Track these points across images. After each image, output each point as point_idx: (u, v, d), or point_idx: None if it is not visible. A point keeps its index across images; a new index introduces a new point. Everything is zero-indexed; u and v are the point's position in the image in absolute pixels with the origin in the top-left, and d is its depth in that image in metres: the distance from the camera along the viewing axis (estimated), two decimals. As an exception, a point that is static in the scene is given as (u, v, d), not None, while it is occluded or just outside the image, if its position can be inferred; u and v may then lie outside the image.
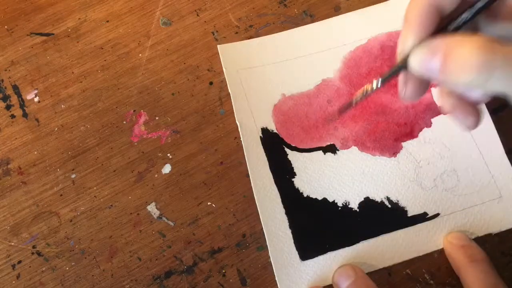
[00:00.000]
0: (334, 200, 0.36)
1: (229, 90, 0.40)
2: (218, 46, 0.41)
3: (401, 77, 0.30)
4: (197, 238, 0.36)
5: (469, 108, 0.30)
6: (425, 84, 0.30)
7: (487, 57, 0.23)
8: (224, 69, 0.40)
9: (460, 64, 0.24)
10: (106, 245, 0.36)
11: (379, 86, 0.30)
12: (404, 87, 0.30)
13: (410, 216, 0.36)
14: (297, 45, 0.41)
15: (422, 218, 0.36)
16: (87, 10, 0.43)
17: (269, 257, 0.35)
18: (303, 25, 0.42)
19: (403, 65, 0.28)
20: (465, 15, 0.27)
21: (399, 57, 0.29)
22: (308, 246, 0.35)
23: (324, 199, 0.36)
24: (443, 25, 0.28)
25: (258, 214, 0.36)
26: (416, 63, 0.27)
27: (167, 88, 0.40)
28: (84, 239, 0.36)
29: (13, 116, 0.40)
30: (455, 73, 0.25)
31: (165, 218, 0.37)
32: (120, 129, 0.39)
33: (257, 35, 0.42)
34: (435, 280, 0.34)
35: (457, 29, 0.27)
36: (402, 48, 0.28)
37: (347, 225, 0.36)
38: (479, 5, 0.26)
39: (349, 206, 0.36)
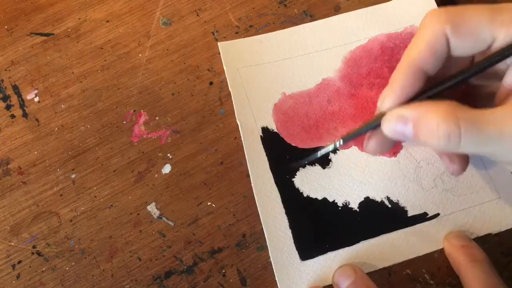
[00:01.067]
0: (334, 200, 0.36)
1: (230, 89, 0.40)
2: (219, 43, 0.41)
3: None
4: (197, 238, 0.36)
5: (453, 157, 0.32)
6: (390, 143, 0.31)
7: (450, 127, 0.25)
8: (224, 67, 0.40)
9: (428, 134, 0.26)
10: (106, 245, 0.36)
11: (341, 144, 0.32)
12: (367, 141, 0.32)
13: (410, 216, 0.36)
14: (298, 44, 0.41)
15: (422, 218, 0.36)
16: (87, 10, 0.43)
17: (269, 257, 0.35)
18: (303, 24, 0.42)
19: (375, 124, 0.30)
20: (434, 90, 0.28)
21: (377, 111, 0.31)
22: (308, 246, 0.35)
23: (324, 199, 0.36)
24: (428, 86, 0.29)
25: (258, 214, 0.36)
26: (389, 130, 0.28)
27: (167, 88, 0.40)
28: (84, 239, 0.36)
29: (13, 116, 0.40)
30: (427, 141, 0.26)
31: (165, 218, 0.37)
32: (120, 129, 0.39)
33: (257, 35, 0.42)
34: (435, 280, 0.34)
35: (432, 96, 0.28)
36: (382, 106, 0.30)
37: (347, 225, 0.36)
38: (447, 84, 0.28)
39: (349, 206, 0.36)
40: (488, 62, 0.27)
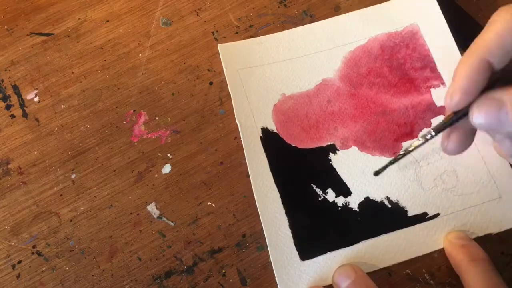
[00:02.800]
0: (334, 200, 0.36)
1: (229, 90, 0.40)
2: (219, 45, 0.41)
3: (444, 132, 0.31)
4: (197, 238, 0.36)
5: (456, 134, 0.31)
6: (471, 137, 0.30)
7: None
8: (224, 69, 0.40)
9: None
10: (106, 245, 0.36)
11: (433, 136, 0.30)
12: (447, 141, 0.30)
13: (410, 216, 0.36)
14: (297, 45, 0.41)
15: (422, 218, 0.36)
16: (87, 10, 0.43)
17: (269, 257, 0.35)
18: (303, 25, 0.42)
19: (457, 118, 0.28)
20: None
21: (448, 110, 0.29)
22: (308, 246, 0.35)
23: (324, 199, 0.36)
24: (492, 81, 0.27)
25: (258, 214, 0.36)
26: (483, 117, 0.26)
27: (167, 88, 0.40)
28: (84, 239, 0.36)
29: (13, 116, 0.40)
30: None
31: (165, 218, 0.37)
32: (120, 129, 0.39)
33: (257, 35, 0.42)
34: (435, 280, 0.34)
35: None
36: (451, 102, 0.28)
37: (347, 225, 0.36)
38: None
39: (349, 206, 0.36)
40: None
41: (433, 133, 0.30)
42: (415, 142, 0.32)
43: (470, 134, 0.30)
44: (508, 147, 0.30)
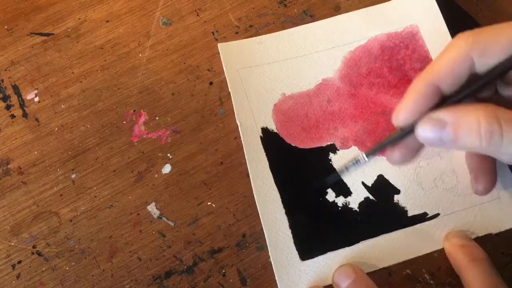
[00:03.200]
0: (334, 200, 0.36)
1: (229, 89, 0.40)
2: (219, 44, 0.41)
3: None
4: (197, 238, 0.36)
5: (479, 176, 0.33)
6: (414, 152, 0.31)
7: (493, 126, 0.25)
8: (224, 68, 0.40)
9: (469, 134, 0.26)
10: (106, 245, 0.36)
11: (365, 160, 0.33)
12: (391, 152, 0.32)
13: (410, 216, 0.36)
14: (297, 44, 0.41)
15: (422, 218, 0.36)
16: (87, 10, 0.43)
17: (269, 257, 0.35)
18: (303, 25, 0.42)
19: (403, 135, 0.30)
20: (466, 92, 0.28)
21: (395, 127, 0.30)
22: (308, 246, 0.35)
23: (324, 199, 0.36)
24: (439, 101, 0.28)
25: (258, 214, 0.36)
26: (426, 135, 0.28)
27: (167, 88, 0.40)
28: (84, 239, 0.36)
29: (13, 116, 0.40)
30: (467, 142, 0.26)
31: (165, 218, 0.37)
32: (120, 129, 0.39)
33: (257, 35, 0.42)
34: (435, 280, 0.34)
35: (457, 101, 0.28)
36: (396, 120, 0.29)
37: (347, 225, 0.36)
38: (479, 83, 0.28)
39: (349, 206, 0.36)
40: (499, 69, 0.27)
41: (365, 158, 0.33)
42: (349, 163, 0.34)
43: (413, 149, 0.31)
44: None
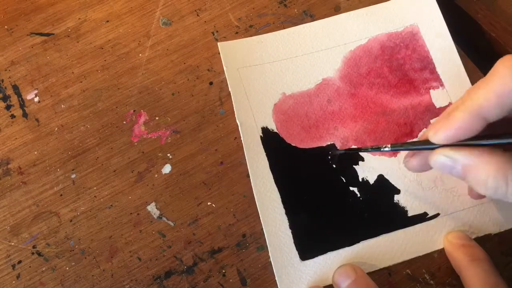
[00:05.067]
0: (334, 200, 0.36)
1: (230, 89, 0.40)
2: (219, 43, 0.41)
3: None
4: (197, 238, 0.36)
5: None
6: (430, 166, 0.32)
7: (499, 184, 0.26)
8: (224, 67, 0.40)
9: (476, 183, 0.27)
10: (106, 245, 0.36)
11: (388, 150, 0.33)
12: (409, 158, 0.33)
13: (410, 216, 0.36)
14: (298, 43, 0.41)
15: (422, 218, 0.36)
16: (87, 10, 0.43)
17: (269, 257, 0.35)
18: (303, 24, 0.42)
19: (422, 148, 0.31)
20: (489, 142, 0.28)
21: (423, 136, 0.31)
22: (308, 246, 0.35)
23: (324, 199, 0.36)
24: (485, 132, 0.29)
25: (258, 214, 0.36)
26: (437, 165, 0.29)
27: (167, 88, 0.40)
28: (84, 239, 0.36)
29: (13, 116, 0.40)
30: (473, 186, 0.28)
31: (165, 218, 0.37)
32: (120, 129, 0.39)
33: (257, 35, 0.42)
34: (435, 280, 0.34)
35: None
36: (433, 137, 0.29)
37: (347, 225, 0.36)
38: (503, 141, 0.28)
39: (349, 206, 0.36)
40: None
41: (389, 148, 0.33)
42: (373, 147, 0.35)
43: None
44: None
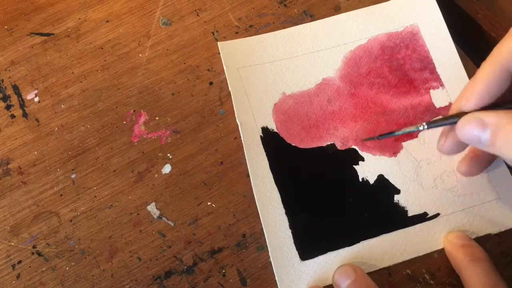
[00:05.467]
0: (334, 200, 0.36)
1: (230, 89, 0.40)
2: (219, 43, 0.41)
3: (443, 130, 0.32)
4: (197, 238, 0.36)
5: (474, 160, 0.33)
6: (483, 164, 0.32)
7: None
8: (224, 67, 0.40)
9: (506, 145, 0.25)
10: (106, 245, 0.36)
11: (424, 128, 0.31)
12: (444, 140, 0.32)
13: (410, 216, 0.36)
14: (298, 43, 0.41)
15: (422, 218, 0.36)
16: (87, 10, 0.43)
17: (269, 257, 0.35)
18: (303, 24, 0.42)
19: (455, 121, 0.29)
20: None
21: (453, 109, 0.30)
22: (308, 246, 0.35)
23: (324, 199, 0.36)
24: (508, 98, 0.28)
25: (258, 214, 0.36)
26: (464, 132, 0.28)
27: (167, 88, 0.40)
28: (84, 239, 0.36)
29: (13, 116, 0.40)
30: (503, 150, 0.26)
31: (165, 218, 0.37)
32: (120, 129, 0.39)
33: (257, 35, 0.42)
34: (435, 280, 0.34)
35: None
36: (461, 105, 0.28)
37: (347, 225, 0.36)
38: None
39: (349, 205, 0.36)
40: None
41: (425, 126, 0.31)
42: (407, 128, 0.33)
43: (484, 162, 0.32)
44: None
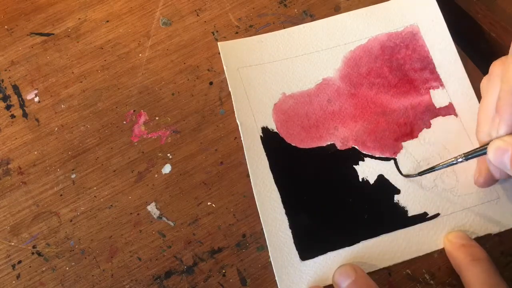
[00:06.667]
0: (334, 200, 0.36)
1: (230, 89, 0.40)
2: (219, 43, 0.41)
3: (478, 164, 0.34)
4: (197, 238, 0.36)
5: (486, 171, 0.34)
6: (494, 179, 0.34)
7: None
8: (224, 67, 0.40)
9: None
10: (106, 245, 0.36)
11: (463, 160, 0.33)
12: (478, 175, 0.34)
13: (410, 216, 0.36)
14: (298, 44, 0.41)
15: (422, 218, 0.36)
16: (87, 10, 0.43)
17: (269, 257, 0.35)
18: (303, 24, 0.42)
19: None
20: None
21: (482, 139, 0.33)
22: (308, 246, 0.35)
23: (324, 199, 0.36)
24: None
25: (258, 214, 0.36)
26: (491, 154, 0.30)
27: (167, 88, 0.40)
28: (84, 239, 0.36)
29: (13, 116, 0.40)
30: None
31: (165, 218, 0.37)
32: (120, 129, 0.39)
33: (257, 35, 0.42)
34: (435, 280, 0.34)
35: None
36: (493, 133, 0.31)
37: (347, 225, 0.36)
38: None
39: (349, 206, 0.36)
40: None
41: (463, 158, 0.33)
42: (446, 162, 0.34)
43: (493, 176, 0.33)
44: None
